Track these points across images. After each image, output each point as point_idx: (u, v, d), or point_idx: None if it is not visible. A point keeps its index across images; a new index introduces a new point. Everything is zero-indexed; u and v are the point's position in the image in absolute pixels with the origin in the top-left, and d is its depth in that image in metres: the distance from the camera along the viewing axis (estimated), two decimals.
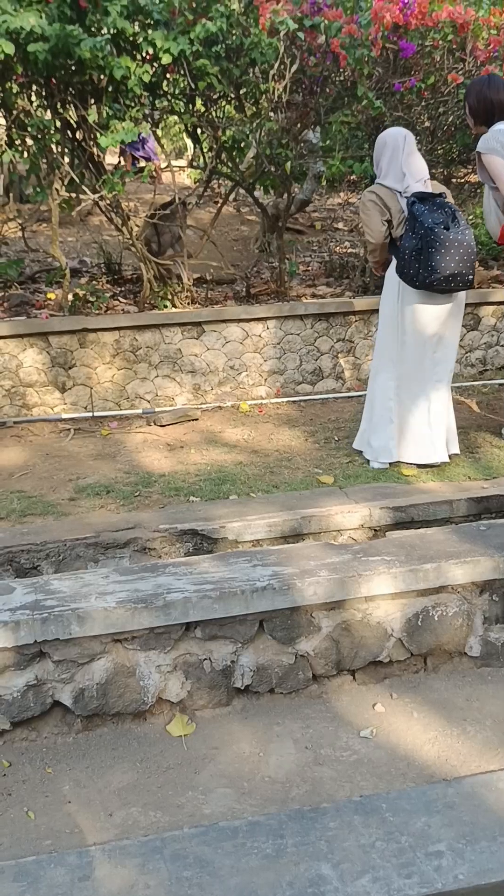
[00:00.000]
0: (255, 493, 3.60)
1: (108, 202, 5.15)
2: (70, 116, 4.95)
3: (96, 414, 4.93)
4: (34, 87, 4.83)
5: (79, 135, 4.97)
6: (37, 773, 2.13)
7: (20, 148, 4.83)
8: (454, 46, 5.03)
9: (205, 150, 6.02)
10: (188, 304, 5.42)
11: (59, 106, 4.85)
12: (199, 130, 5.74)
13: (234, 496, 3.58)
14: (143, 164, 6.50)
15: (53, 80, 4.65)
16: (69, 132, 5.02)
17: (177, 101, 5.32)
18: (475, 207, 6.63)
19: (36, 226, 7.31)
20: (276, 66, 4.79)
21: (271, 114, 5.03)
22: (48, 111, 4.96)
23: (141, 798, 2.03)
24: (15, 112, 4.73)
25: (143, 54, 4.57)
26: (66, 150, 5.21)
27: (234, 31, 4.75)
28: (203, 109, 5.34)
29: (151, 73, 4.59)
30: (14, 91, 4.67)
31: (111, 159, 6.24)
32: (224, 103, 5.51)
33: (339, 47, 4.71)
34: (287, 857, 1.76)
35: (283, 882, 1.70)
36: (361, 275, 6.00)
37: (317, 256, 7.18)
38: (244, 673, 2.36)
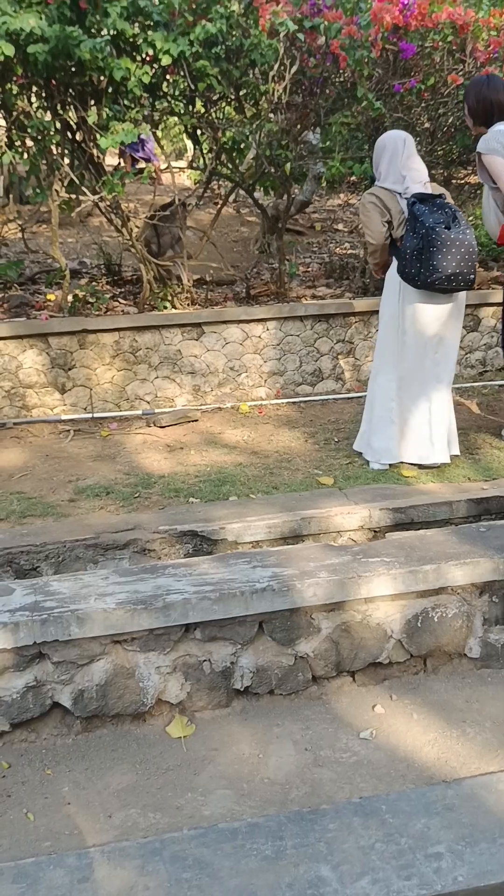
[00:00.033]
0: (254, 495, 3.60)
1: (108, 203, 5.15)
2: (70, 118, 4.95)
3: (96, 415, 4.93)
4: (34, 89, 4.84)
5: (79, 136, 4.98)
6: (36, 774, 2.13)
7: (20, 149, 4.84)
8: (454, 48, 5.04)
9: (204, 152, 6.02)
10: (188, 305, 5.41)
11: (58, 107, 4.85)
12: (198, 131, 5.73)
13: (233, 497, 3.58)
14: (142, 165, 6.49)
15: (53, 82, 4.66)
16: (69, 133, 5.03)
17: (176, 103, 5.32)
18: (475, 208, 6.63)
19: (36, 227, 7.31)
20: (276, 67, 4.79)
21: (271, 115, 5.03)
22: (48, 112, 4.97)
23: (140, 799, 2.03)
24: (15, 113, 4.74)
25: (143, 55, 4.57)
26: (66, 152, 5.21)
27: (233, 33, 4.75)
28: (203, 111, 5.34)
29: (151, 74, 4.59)
30: (14, 92, 4.67)
31: (111, 160, 6.23)
32: (224, 104, 5.51)
33: (338, 48, 4.71)
34: (286, 859, 1.76)
35: (283, 884, 1.70)
36: (361, 276, 6.00)
37: (317, 257, 7.18)
38: (244, 674, 2.36)
